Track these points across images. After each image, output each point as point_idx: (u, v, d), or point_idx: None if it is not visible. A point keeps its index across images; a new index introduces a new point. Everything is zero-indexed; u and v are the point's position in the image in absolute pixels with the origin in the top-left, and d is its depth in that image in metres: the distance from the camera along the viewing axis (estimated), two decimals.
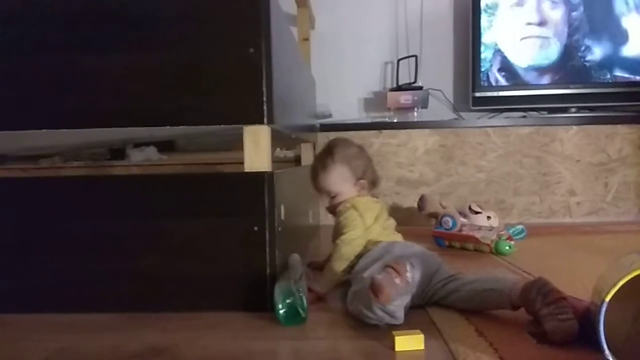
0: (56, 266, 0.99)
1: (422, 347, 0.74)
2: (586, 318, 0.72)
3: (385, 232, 1.10)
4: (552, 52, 2.14)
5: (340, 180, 1.12)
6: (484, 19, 2.14)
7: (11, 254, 1.00)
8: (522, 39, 2.15)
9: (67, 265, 0.99)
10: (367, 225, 1.07)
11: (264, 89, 0.94)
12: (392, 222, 1.14)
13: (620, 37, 2.12)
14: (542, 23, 2.14)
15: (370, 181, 1.15)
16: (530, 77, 2.16)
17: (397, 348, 0.74)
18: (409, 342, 0.74)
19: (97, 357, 0.77)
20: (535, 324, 0.77)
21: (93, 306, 0.97)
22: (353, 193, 1.12)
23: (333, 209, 1.14)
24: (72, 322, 0.92)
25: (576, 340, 0.71)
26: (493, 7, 2.14)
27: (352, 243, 1.05)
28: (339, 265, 1.04)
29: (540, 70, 2.16)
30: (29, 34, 0.99)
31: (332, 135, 2.08)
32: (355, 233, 1.05)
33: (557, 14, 2.13)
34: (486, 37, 2.14)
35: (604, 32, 2.12)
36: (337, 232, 1.09)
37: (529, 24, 2.15)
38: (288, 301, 0.85)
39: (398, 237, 1.11)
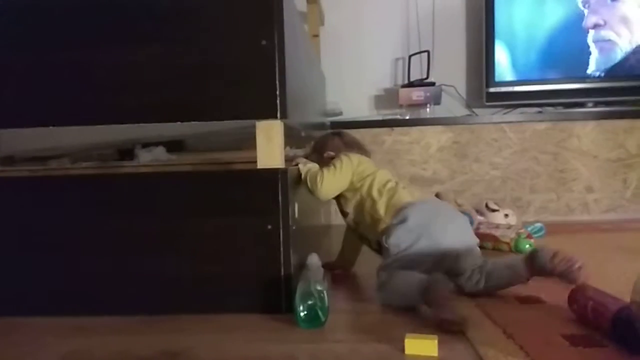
0: (65, 268, 0.97)
1: (435, 353, 0.69)
2: (619, 318, 0.68)
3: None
4: (567, 46, 2.09)
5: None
6: (497, 12, 2.09)
7: (19, 256, 0.98)
8: (537, 32, 2.10)
9: (77, 267, 0.96)
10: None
11: (277, 83, 0.91)
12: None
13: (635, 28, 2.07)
14: (557, 15, 2.09)
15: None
16: (545, 72, 2.11)
17: (407, 351, 0.70)
18: (420, 346, 0.70)
19: None
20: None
21: (103, 309, 0.95)
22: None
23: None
24: (82, 325, 0.89)
25: (612, 340, 0.68)
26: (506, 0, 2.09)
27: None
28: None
29: (555, 64, 2.11)
30: (48, 30, 0.97)
31: None
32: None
33: (572, 6, 2.08)
34: (500, 31, 2.10)
35: (620, 24, 2.07)
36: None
37: (544, 16, 2.10)
38: (309, 302, 0.82)
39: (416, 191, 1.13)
